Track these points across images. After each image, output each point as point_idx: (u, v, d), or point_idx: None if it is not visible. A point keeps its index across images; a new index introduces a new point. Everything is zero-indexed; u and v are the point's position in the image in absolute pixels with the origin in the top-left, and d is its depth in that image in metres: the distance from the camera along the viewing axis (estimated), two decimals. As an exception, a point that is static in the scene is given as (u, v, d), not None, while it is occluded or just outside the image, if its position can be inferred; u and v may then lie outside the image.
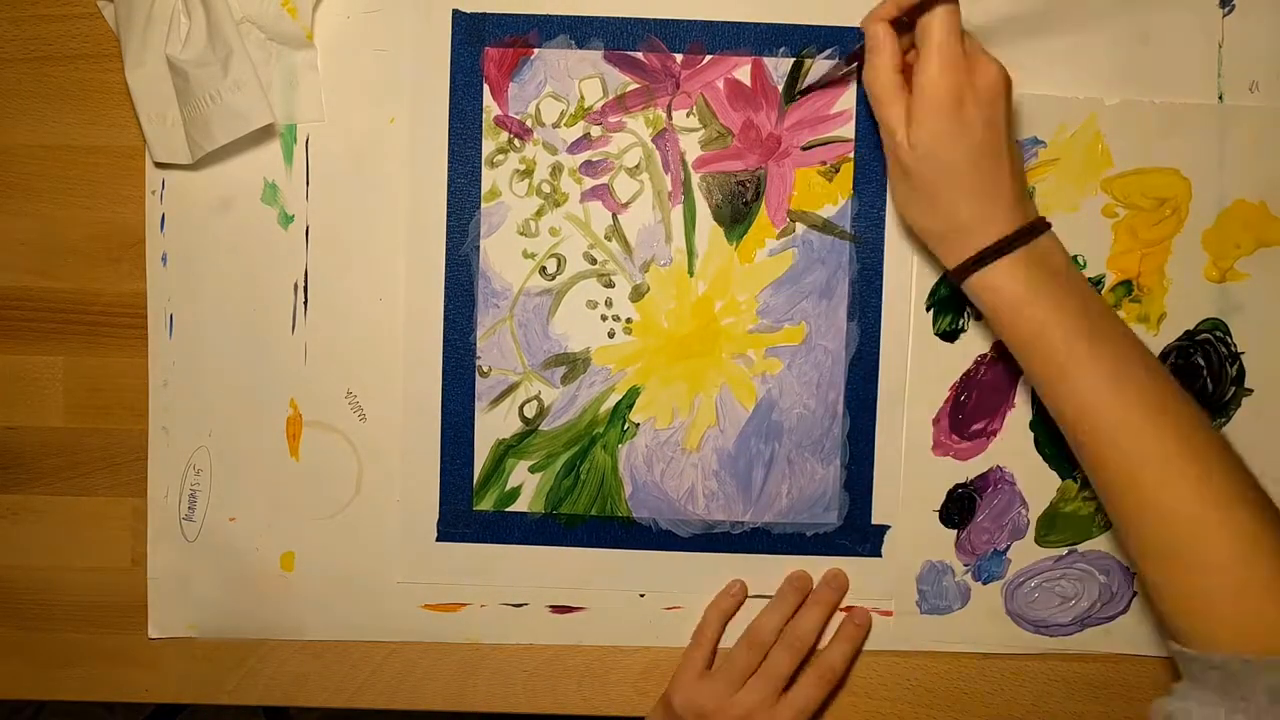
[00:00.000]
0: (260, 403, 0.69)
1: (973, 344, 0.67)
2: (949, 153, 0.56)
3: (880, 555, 0.69)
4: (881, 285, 0.67)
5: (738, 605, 0.69)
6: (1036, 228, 0.57)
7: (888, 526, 0.68)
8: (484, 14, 0.67)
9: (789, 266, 0.67)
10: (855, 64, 0.64)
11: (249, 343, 0.69)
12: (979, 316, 0.67)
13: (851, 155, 0.67)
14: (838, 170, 0.67)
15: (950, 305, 0.67)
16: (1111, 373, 0.55)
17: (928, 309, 0.67)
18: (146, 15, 0.64)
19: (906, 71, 0.58)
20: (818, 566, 0.69)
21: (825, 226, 0.67)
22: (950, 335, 0.67)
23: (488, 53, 0.67)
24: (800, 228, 0.67)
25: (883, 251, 0.67)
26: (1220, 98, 0.66)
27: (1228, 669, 0.51)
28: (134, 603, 0.70)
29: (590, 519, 0.69)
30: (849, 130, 0.67)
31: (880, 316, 0.67)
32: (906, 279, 0.67)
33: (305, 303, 0.68)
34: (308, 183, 0.68)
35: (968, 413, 0.68)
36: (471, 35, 0.67)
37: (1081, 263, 0.67)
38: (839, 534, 0.68)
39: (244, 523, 0.69)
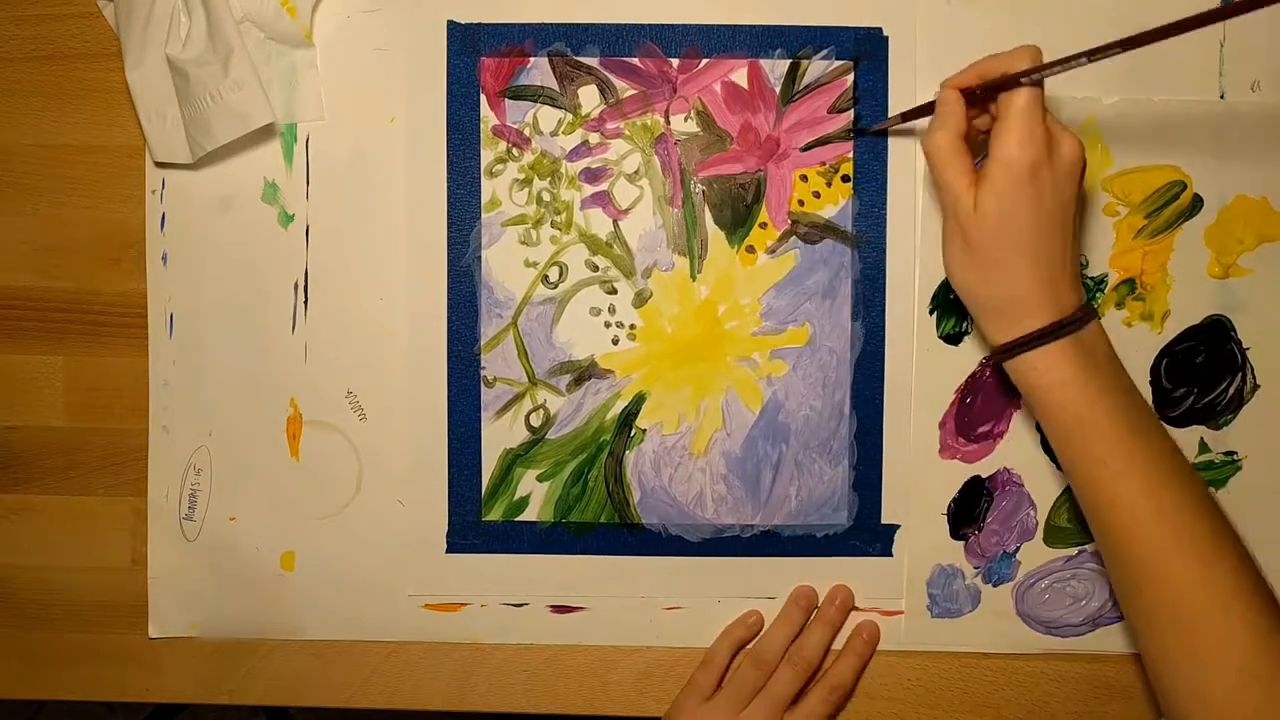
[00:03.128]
0: (260, 402, 0.69)
1: (976, 347, 0.67)
2: (1017, 224, 0.53)
3: (891, 555, 0.68)
4: (885, 284, 0.67)
5: (752, 635, 0.69)
6: (1088, 313, 0.55)
7: (898, 526, 0.68)
8: (479, 24, 0.67)
9: (791, 268, 0.67)
10: (913, 118, 0.63)
11: (249, 342, 0.69)
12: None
13: (851, 155, 0.67)
14: (837, 170, 0.67)
15: (953, 309, 0.67)
16: (1147, 472, 0.54)
17: (930, 313, 0.67)
18: (147, 15, 0.64)
19: (968, 136, 0.56)
20: (829, 568, 0.69)
21: (826, 227, 0.67)
22: (954, 338, 0.67)
23: (484, 63, 0.67)
24: (801, 229, 0.67)
25: (885, 251, 0.67)
26: (1221, 96, 0.66)
27: None
28: (134, 603, 0.70)
29: (599, 526, 0.69)
30: (848, 130, 0.67)
31: (884, 315, 0.67)
32: (909, 278, 0.67)
33: (305, 302, 0.68)
34: (308, 182, 0.68)
35: (973, 415, 0.68)
36: (467, 46, 0.67)
37: (1084, 262, 0.67)
38: (849, 534, 0.68)
39: (244, 523, 0.69)
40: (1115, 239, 0.67)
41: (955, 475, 0.68)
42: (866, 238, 0.67)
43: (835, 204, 0.67)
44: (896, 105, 0.66)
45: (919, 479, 0.68)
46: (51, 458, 0.70)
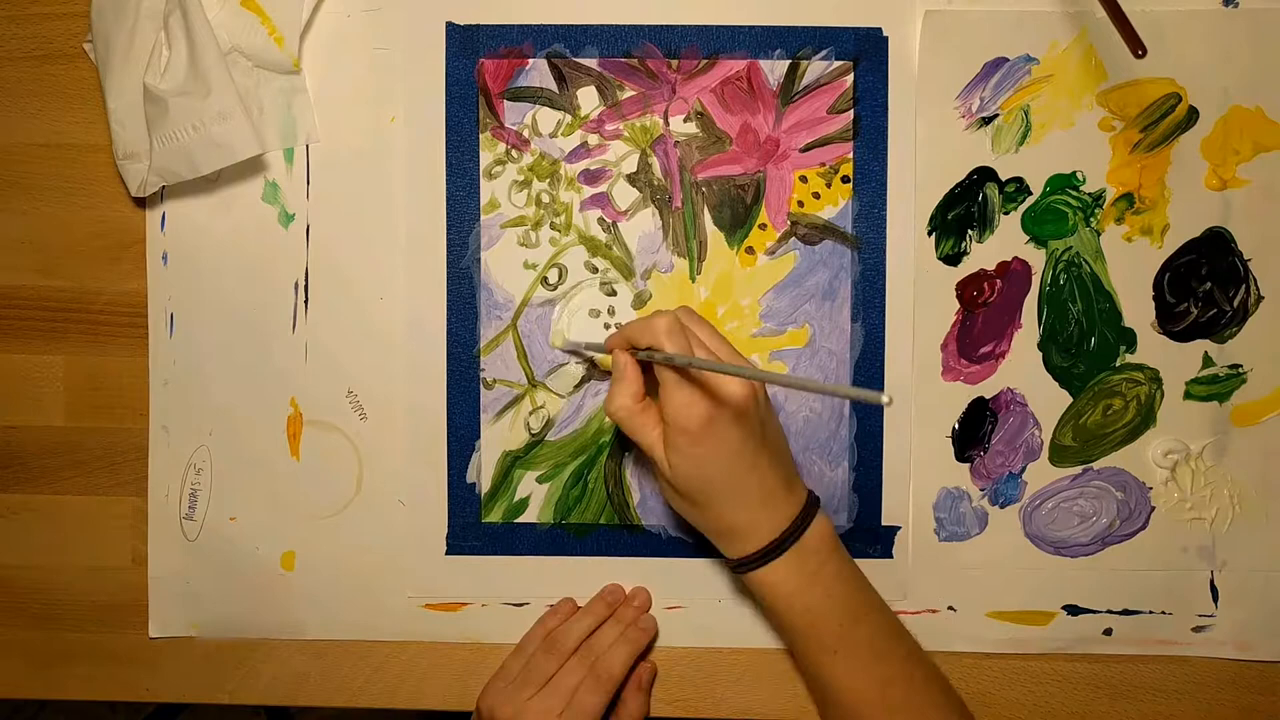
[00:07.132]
0: (260, 402, 0.69)
1: (975, 265, 0.67)
2: (706, 474, 0.57)
3: (891, 556, 0.68)
4: (884, 286, 0.67)
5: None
6: (808, 514, 0.59)
7: (898, 527, 0.68)
8: (477, 25, 0.67)
9: (791, 269, 0.67)
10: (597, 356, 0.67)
11: (249, 342, 0.69)
12: (980, 239, 0.67)
13: (851, 156, 0.67)
14: (837, 171, 0.67)
15: (950, 229, 0.67)
16: (872, 653, 0.60)
17: (929, 234, 0.67)
18: (125, 51, 0.64)
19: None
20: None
21: (826, 228, 0.67)
22: (953, 259, 0.67)
23: (483, 64, 0.67)
24: (801, 230, 0.67)
25: (884, 252, 0.67)
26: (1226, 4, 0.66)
27: None
28: (135, 602, 0.70)
29: (599, 528, 0.69)
30: (848, 131, 0.67)
31: (884, 317, 0.67)
32: (909, 278, 0.67)
33: (305, 302, 0.68)
34: (308, 182, 0.68)
35: (975, 336, 0.67)
36: (466, 47, 0.67)
37: (1081, 178, 0.67)
38: (849, 536, 0.68)
39: (244, 522, 0.69)
40: (1112, 154, 0.67)
41: (959, 397, 0.68)
42: (866, 239, 0.67)
43: (835, 205, 0.67)
44: (896, 106, 0.66)
45: (923, 400, 0.68)
46: (51, 458, 0.70)
